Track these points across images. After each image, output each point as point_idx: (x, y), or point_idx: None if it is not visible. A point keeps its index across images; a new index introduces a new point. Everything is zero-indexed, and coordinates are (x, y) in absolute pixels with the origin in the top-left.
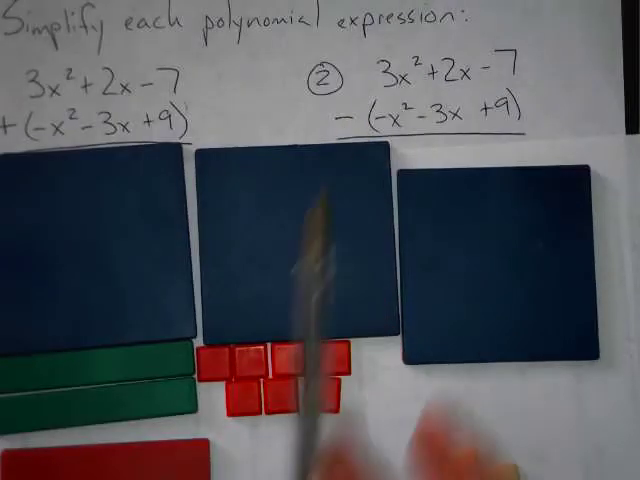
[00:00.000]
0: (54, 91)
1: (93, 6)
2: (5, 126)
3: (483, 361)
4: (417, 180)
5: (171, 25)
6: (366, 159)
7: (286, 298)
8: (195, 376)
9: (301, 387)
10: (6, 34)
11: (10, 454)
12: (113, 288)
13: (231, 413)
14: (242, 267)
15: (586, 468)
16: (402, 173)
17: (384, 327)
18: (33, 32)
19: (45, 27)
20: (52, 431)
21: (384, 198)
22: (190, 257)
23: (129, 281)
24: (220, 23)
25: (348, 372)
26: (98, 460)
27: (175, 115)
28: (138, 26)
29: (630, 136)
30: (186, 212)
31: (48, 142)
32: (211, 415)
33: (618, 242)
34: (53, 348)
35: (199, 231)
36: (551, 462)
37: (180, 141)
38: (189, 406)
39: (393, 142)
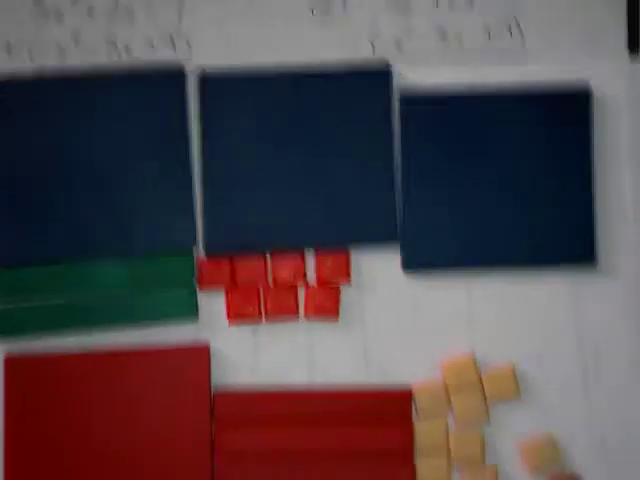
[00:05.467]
0: (59, 15)
1: None
2: (10, 50)
3: (482, 266)
4: (419, 103)
5: None
6: (368, 82)
7: (287, 210)
8: (196, 286)
9: None
10: None
11: (13, 360)
12: (114, 201)
13: (232, 320)
14: (243, 182)
15: (583, 368)
16: (405, 94)
17: (383, 234)
18: None
19: None
20: (55, 337)
21: (385, 122)
22: (191, 171)
23: (130, 194)
24: None
25: (347, 280)
26: (101, 365)
27: (179, 38)
28: None
29: (633, 58)
30: (189, 129)
31: (52, 65)
32: (212, 322)
33: (617, 158)
34: (54, 260)
35: (202, 147)
36: (550, 362)
37: (184, 64)
38: (190, 312)
39: (395, 66)
